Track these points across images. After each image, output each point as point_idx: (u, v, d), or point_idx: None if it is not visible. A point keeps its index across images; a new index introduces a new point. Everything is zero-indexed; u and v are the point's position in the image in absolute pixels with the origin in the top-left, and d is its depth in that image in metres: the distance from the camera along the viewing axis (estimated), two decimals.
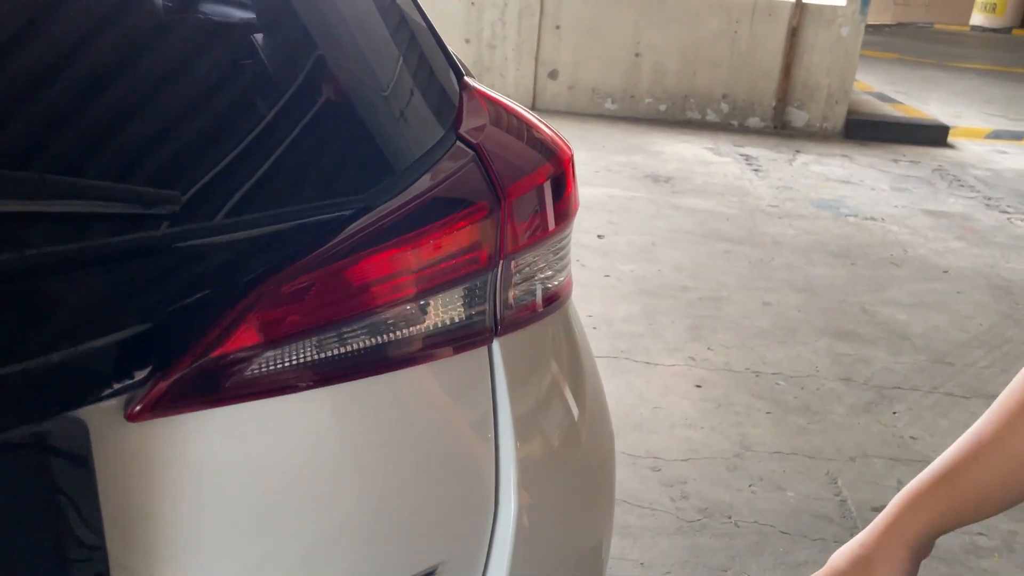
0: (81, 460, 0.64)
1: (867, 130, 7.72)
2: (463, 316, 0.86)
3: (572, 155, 1.03)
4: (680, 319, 3.78)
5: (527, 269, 0.94)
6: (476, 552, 0.87)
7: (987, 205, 6.03)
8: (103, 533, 0.65)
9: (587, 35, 7.57)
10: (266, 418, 0.73)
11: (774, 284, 4.27)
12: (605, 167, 6.11)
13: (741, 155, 6.83)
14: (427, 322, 0.83)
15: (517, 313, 0.92)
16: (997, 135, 8.27)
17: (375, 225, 0.80)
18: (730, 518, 2.50)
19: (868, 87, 9.78)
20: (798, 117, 7.73)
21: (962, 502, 0.80)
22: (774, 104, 7.66)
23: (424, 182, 0.86)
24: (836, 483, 2.70)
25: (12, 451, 0.61)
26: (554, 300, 0.99)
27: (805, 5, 7.43)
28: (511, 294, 0.91)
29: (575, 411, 1.02)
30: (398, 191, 0.83)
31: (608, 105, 7.70)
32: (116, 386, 0.65)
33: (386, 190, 0.82)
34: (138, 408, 0.68)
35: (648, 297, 3.97)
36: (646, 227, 4.92)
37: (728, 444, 2.86)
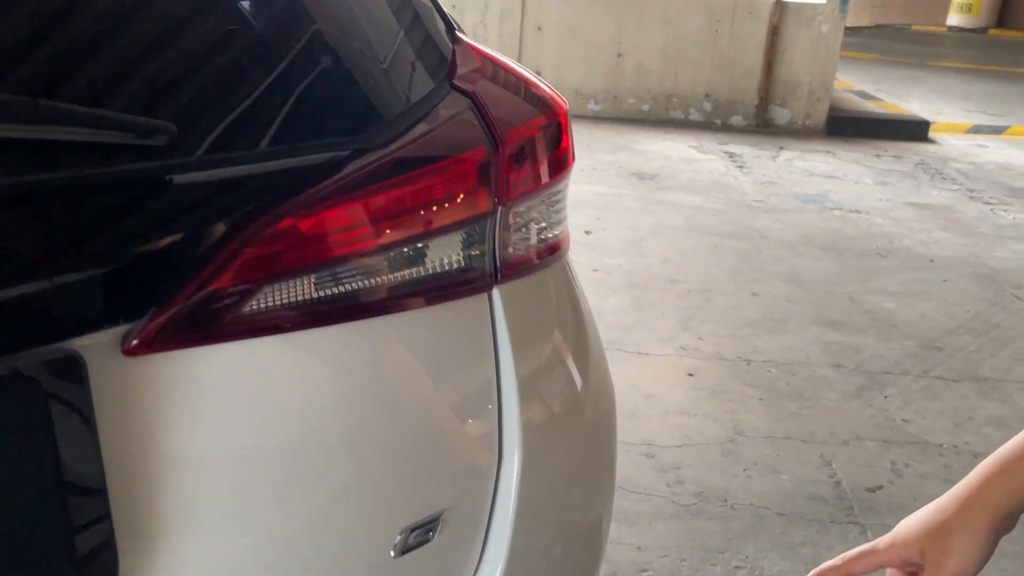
0: (79, 396, 0.62)
1: (849, 127, 7.78)
2: (462, 260, 0.85)
3: (567, 109, 1.02)
4: (670, 310, 3.77)
5: (525, 218, 0.93)
6: (481, 500, 0.86)
7: (970, 197, 6.08)
8: (103, 472, 0.63)
9: (569, 36, 7.59)
10: (266, 358, 0.72)
11: (762, 276, 4.28)
12: (591, 165, 6.11)
13: (725, 152, 6.86)
14: (426, 265, 0.82)
15: (516, 261, 0.91)
16: (977, 130, 8.34)
17: (373, 164, 0.78)
18: (726, 501, 2.49)
19: (849, 85, 9.85)
20: (780, 115, 7.77)
21: None
22: (756, 102, 7.70)
23: (421, 127, 0.85)
24: (830, 465, 2.70)
25: (8, 383, 0.59)
26: (553, 251, 0.98)
27: (785, 3, 7.48)
28: (510, 241, 0.90)
29: (577, 371, 1.01)
30: (395, 135, 0.82)
31: (591, 106, 7.72)
32: (111, 317, 0.64)
33: (382, 133, 0.81)
34: (135, 342, 0.66)
35: (637, 290, 3.97)
36: (633, 223, 4.92)
37: (722, 430, 2.86)
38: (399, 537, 0.80)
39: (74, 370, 0.62)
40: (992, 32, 19.28)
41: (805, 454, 2.75)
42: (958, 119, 8.73)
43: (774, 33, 7.51)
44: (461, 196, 0.84)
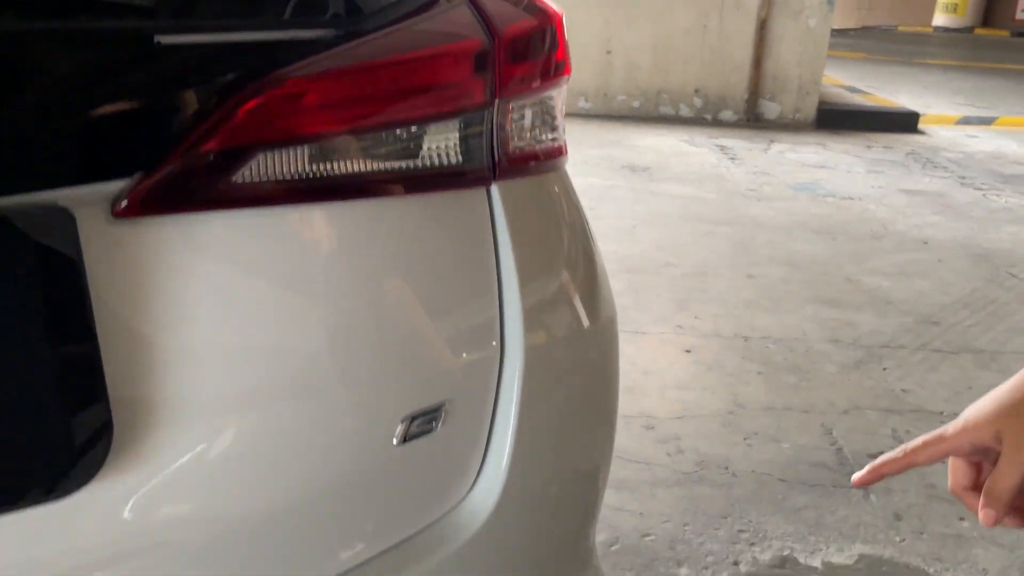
0: (69, 252, 0.60)
1: (839, 120, 7.80)
2: (460, 151, 0.83)
3: (562, 16, 1.01)
4: (665, 293, 3.76)
5: (523, 115, 0.91)
6: (483, 395, 0.84)
7: (962, 183, 6.09)
8: (96, 337, 0.62)
9: None
10: (263, 231, 0.70)
11: (757, 259, 4.27)
12: (582, 160, 6.11)
13: (716, 146, 6.87)
14: (424, 152, 0.81)
15: (515, 159, 0.90)
16: (967, 121, 8.38)
17: (369, 43, 0.77)
18: (727, 469, 2.47)
19: (838, 82, 9.90)
20: (770, 109, 7.79)
21: None
22: (746, 97, 7.73)
23: (417, 16, 0.84)
24: (831, 434, 2.69)
25: None
26: (552, 157, 0.97)
27: None
28: (508, 138, 0.89)
29: (579, 280, 0.99)
30: (390, 20, 0.81)
31: (582, 103, 7.73)
32: (101, 171, 0.62)
33: (378, 18, 0.80)
34: (125, 203, 0.64)
35: (632, 274, 3.96)
36: (626, 212, 4.92)
37: (721, 403, 2.84)
38: (401, 425, 0.78)
39: (64, 224, 0.60)
40: (978, 31, 19.44)
41: (805, 424, 2.74)
42: (947, 111, 8.77)
43: (762, 28, 7.54)
44: (458, 84, 0.83)
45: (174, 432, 0.67)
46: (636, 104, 7.76)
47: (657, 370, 3.04)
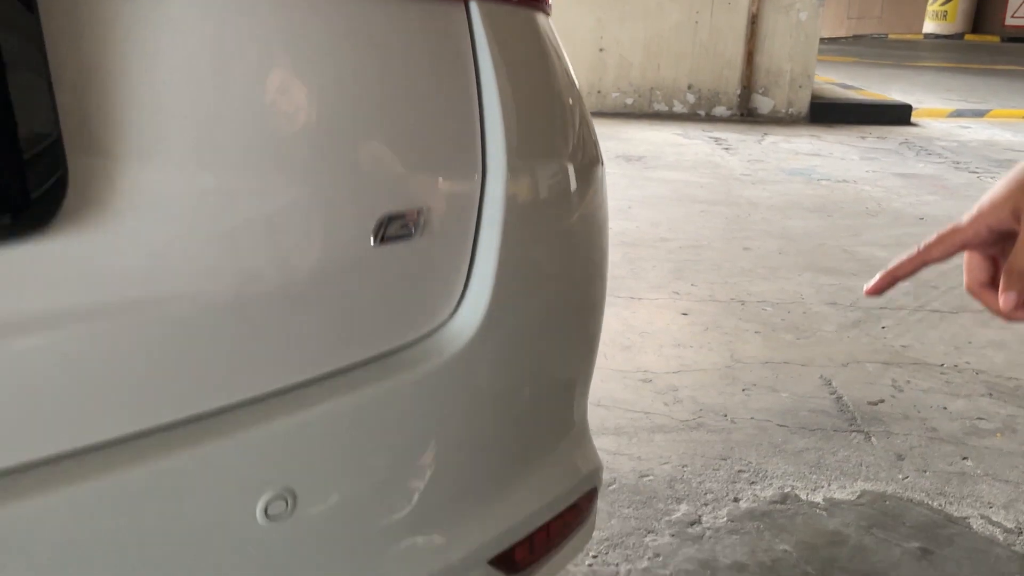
0: None
1: (832, 113, 7.82)
2: None
3: None
4: (661, 263, 3.74)
5: None
6: (465, 214, 0.82)
7: (956, 167, 6.09)
8: (47, 65, 0.58)
9: None
10: None
11: (752, 234, 4.26)
12: None
13: (710, 138, 6.87)
14: None
15: None
16: (959, 114, 8.40)
17: None
18: (726, 416, 2.44)
19: (831, 80, 9.94)
20: (763, 103, 7.81)
21: None
22: (739, 92, 7.74)
23: None
24: (830, 384, 2.66)
25: None
26: None
27: None
28: None
29: (559, 121, 0.96)
30: None
31: None
32: None
33: None
34: None
35: (628, 247, 3.93)
36: (621, 195, 4.91)
37: (718, 358, 2.81)
38: (376, 223, 0.75)
39: None
40: (968, 37, 19.57)
41: (804, 376, 2.71)
42: (940, 106, 8.80)
43: (753, 22, 7.57)
44: None
45: (136, 187, 0.64)
46: (629, 101, 7.78)
47: (654, 331, 3.01)
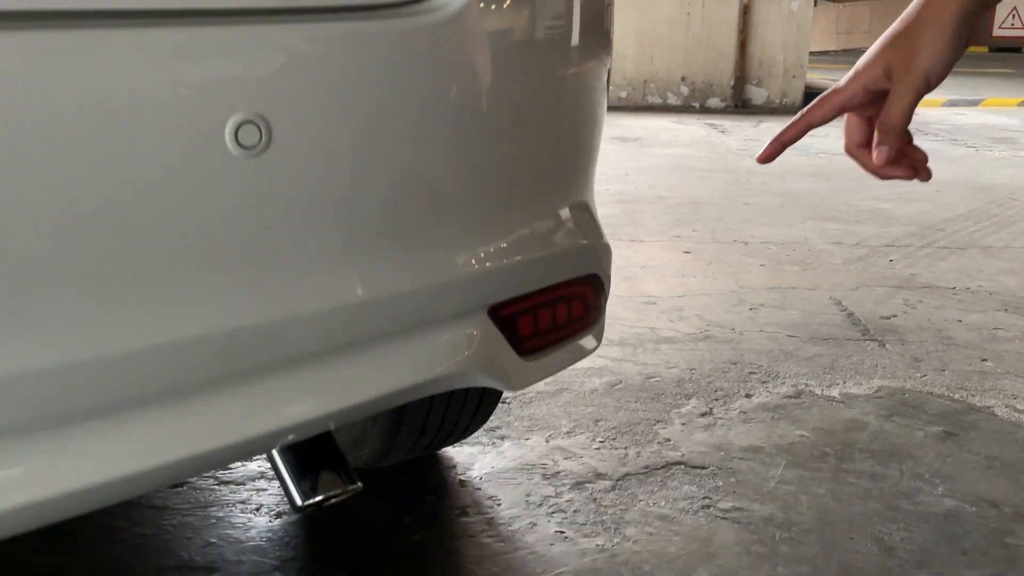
0: None
1: None
2: None
3: None
4: (660, 215, 3.67)
5: None
6: None
7: (954, 143, 6.05)
8: None
9: None
10: None
11: (752, 193, 4.19)
12: None
13: (706, 124, 6.84)
14: None
15: None
16: (953, 103, 8.40)
17: None
18: (734, 329, 2.35)
19: (823, 77, 9.95)
20: (757, 94, 7.79)
21: None
22: (732, 83, 7.73)
23: None
24: (840, 303, 2.57)
25: None
26: None
27: None
28: None
29: None
30: None
31: None
32: None
33: None
34: None
35: (627, 203, 3.86)
36: (619, 167, 4.84)
37: (723, 285, 2.73)
38: None
39: None
40: None
41: (813, 297, 2.62)
42: (934, 97, 8.79)
43: (745, 13, 7.57)
44: None
45: None
46: (623, 94, 7.76)
47: (657, 265, 2.93)
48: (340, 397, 0.74)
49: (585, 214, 1.05)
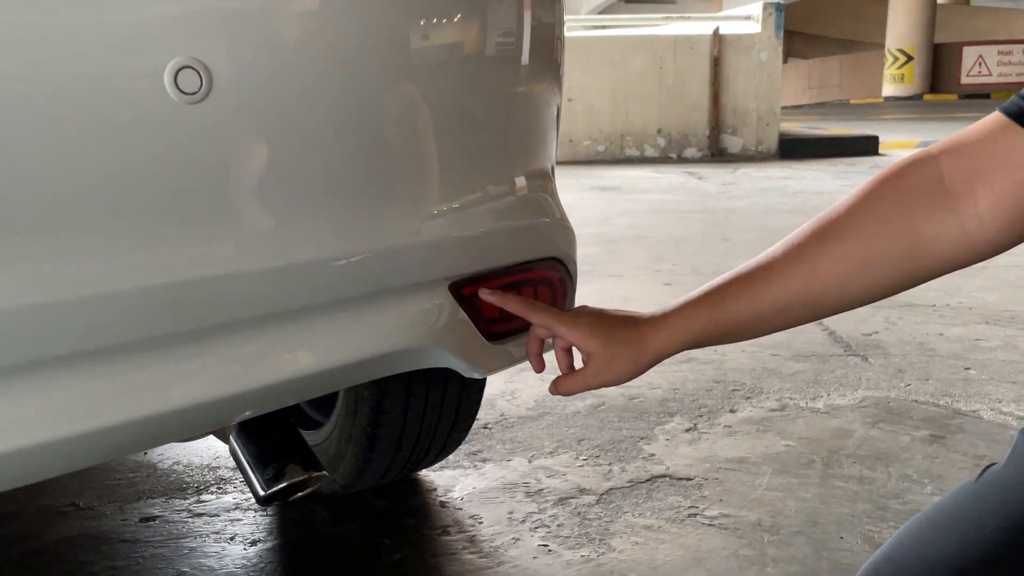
0: None
1: (802, 148, 7.92)
2: None
3: None
4: (640, 252, 3.68)
5: None
6: None
7: None
8: None
9: None
10: None
11: (731, 231, 4.22)
12: None
13: (684, 172, 6.92)
14: None
15: None
16: (926, 144, 8.52)
17: None
18: (716, 351, 2.33)
19: (798, 125, 10.13)
20: (733, 143, 7.90)
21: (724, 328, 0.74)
22: (708, 133, 7.84)
23: None
24: (821, 323, 2.56)
25: None
26: None
27: (722, 36, 7.73)
28: None
29: None
30: None
31: None
32: None
33: None
34: None
35: (607, 243, 3.88)
36: (599, 212, 4.88)
37: None
38: None
39: None
40: (927, 97, 20.12)
41: None
42: (907, 139, 8.95)
43: (716, 65, 7.73)
44: None
45: None
46: (601, 148, 7.86)
47: (638, 296, 2.92)
48: (292, 366, 0.72)
49: (543, 192, 1.04)
